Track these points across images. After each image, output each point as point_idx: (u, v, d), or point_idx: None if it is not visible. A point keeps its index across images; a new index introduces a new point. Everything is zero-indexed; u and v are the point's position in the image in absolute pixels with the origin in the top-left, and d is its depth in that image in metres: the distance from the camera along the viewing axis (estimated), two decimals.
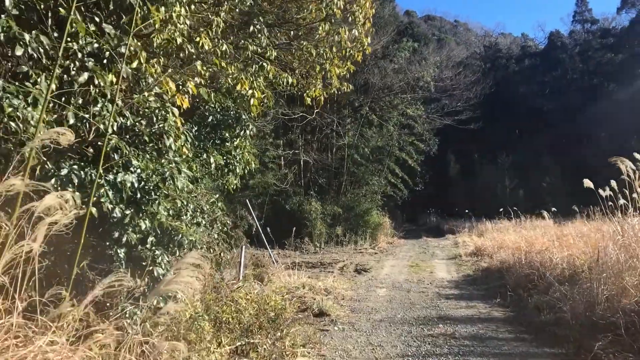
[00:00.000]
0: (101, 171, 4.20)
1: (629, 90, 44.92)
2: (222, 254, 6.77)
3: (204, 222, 5.92)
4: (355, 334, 6.87)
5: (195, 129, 6.45)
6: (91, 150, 4.33)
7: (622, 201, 7.30)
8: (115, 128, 4.30)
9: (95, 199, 4.20)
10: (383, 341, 6.50)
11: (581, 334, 5.88)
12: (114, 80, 4.33)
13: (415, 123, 27.67)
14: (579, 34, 52.92)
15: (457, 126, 26.81)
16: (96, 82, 4.13)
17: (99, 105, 4.14)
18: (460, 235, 25.42)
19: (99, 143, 4.21)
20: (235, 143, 7.48)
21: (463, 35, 78.81)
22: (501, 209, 26.40)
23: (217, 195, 7.42)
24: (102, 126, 4.12)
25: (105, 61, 4.16)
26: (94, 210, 4.16)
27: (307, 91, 7.66)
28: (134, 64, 4.39)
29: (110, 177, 4.31)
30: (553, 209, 13.82)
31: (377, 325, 7.34)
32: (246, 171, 7.94)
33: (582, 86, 47.04)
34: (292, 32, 6.88)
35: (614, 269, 6.46)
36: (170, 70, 4.97)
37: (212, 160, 6.69)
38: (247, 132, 7.40)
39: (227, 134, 7.25)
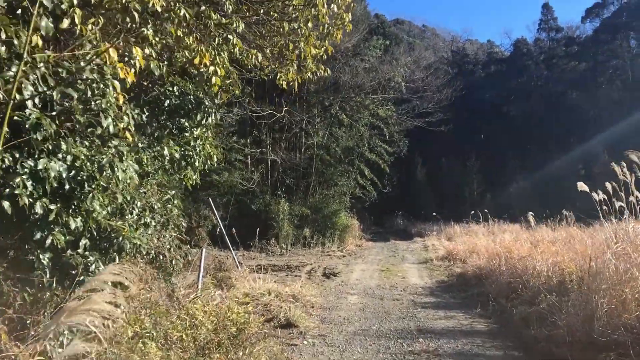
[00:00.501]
0: (16, 155, 3.31)
1: (592, 97, 45.88)
2: (173, 262, 5.86)
3: (153, 223, 5.03)
4: (328, 350, 6.10)
5: (147, 114, 5.52)
6: (6, 129, 3.41)
7: (619, 203, 6.71)
8: (36, 101, 3.40)
9: (8, 190, 3.31)
10: (359, 359, 5.75)
11: (581, 352, 5.25)
12: (39, 43, 3.43)
13: (386, 124, 27.13)
14: (544, 42, 53.72)
15: (428, 128, 26.41)
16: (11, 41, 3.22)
17: (14, 69, 3.24)
18: (429, 239, 25.00)
19: (16, 118, 3.31)
20: (196, 133, 6.59)
21: (431, 40, 79.26)
22: (472, 212, 26.20)
23: (173, 192, 6.51)
24: (19, 96, 3.22)
25: (20, 12, 3.26)
26: (6, 204, 3.28)
27: (281, 74, 6.82)
28: (65, 23, 3.50)
29: (30, 163, 3.41)
30: (530, 213, 13.27)
31: (351, 339, 6.58)
32: (206, 166, 7.03)
33: (547, 93, 47.74)
34: (262, 9, 6.02)
35: (611, 280, 5.86)
36: (113, 37, 4.09)
37: (166, 152, 5.80)
38: (210, 120, 6.52)
39: (186, 123, 6.35)
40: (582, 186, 7.08)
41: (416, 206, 42.36)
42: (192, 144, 6.50)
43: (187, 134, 6.45)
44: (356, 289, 10.47)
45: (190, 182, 6.83)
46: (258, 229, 23.92)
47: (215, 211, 16.42)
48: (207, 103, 6.32)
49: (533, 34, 54.87)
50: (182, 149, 6.36)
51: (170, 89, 6.07)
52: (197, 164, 6.58)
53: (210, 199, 11.09)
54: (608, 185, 6.95)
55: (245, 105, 21.29)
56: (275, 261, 18.26)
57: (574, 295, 6.31)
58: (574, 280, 6.92)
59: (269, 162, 25.00)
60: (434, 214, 26.73)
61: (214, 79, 5.09)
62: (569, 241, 9.07)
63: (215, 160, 7.07)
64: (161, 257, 5.55)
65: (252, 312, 6.52)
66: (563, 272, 7.40)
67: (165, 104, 6.04)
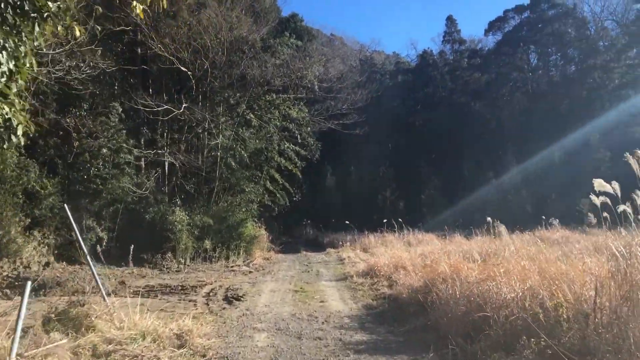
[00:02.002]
0: None
1: (496, 108, 47.52)
2: None
3: None
4: None
5: None
6: None
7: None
8: None
9: None
10: None
11: None
12: None
13: (298, 126, 25.26)
14: (448, 54, 55.04)
15: (342, 131, 24.82)
16: None
17: None
18: (343, 250, 23.39)
19: None
20: None
21: (339, 49, 79.11)
22: (385, 220, 24.97)
23: None
24: None
25: None
26: None
27: None
28: None
29: None
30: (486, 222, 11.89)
31: None
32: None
33: (452, 103, 48.79)
34: None
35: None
36: None
37: None
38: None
39: None
40: (600, 184, 5.48)
41: (326, 214, 41.03)
42: None
43: None
44: (265, 321, 8.31)
45: None
46: (152, 242, 21.41)
47: (92, 222, 13.55)
48: None
49: (438, 46, 56.30)
50: None
51: None
52: None
53: (66, 205, 8.34)
54: None
55: (137, 99, 18.43)
56: (169, 280, 15.67)
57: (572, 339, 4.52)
58: (571, 318, 5.11)
59: (166, 166, 22.20)
60: (347, 222, 25.17)
61: None
62: (532, 258, 7.47)
63: (21, 133, 4.54)
64: None
65: None
66: (545, 304, 5.57)
67: None
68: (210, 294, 11.89)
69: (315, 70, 23.17)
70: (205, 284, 13.74)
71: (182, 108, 20.45)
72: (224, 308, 9.76)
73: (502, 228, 13.00)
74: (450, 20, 56.50)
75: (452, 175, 39.26)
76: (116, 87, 21.30)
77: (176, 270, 18.82)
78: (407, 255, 14.50)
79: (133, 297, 10.05)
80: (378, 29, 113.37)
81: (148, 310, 7.31)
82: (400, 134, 44.96)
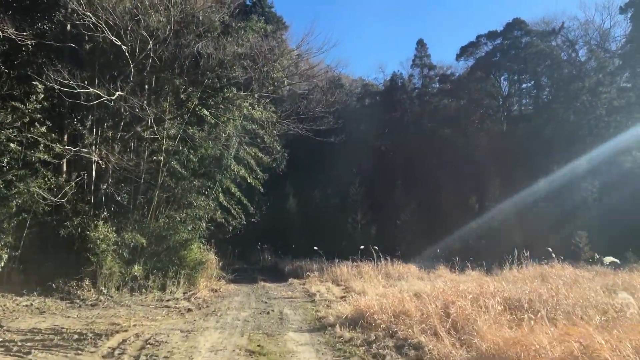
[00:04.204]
0: None
1: (466, 135, 45.41)
2: None
3: None
4: None
5: None
6: None
7: None
8: None
9: None
10: None
11: None
12: None
13: (262, 129, 21.17)
14: (417, 78, 53.41)
15: (315, 138, 20.74)
16: None
17: None
18: (310, 282, 19.38)
19: None
20: None
21: (306, 70, 76.38)
22: (361, 247, 21.21)
23: None
24: None
25: None
26: None
27: None
28: None
29: None
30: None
31: None
32: None
33: (420, 129, 47.00)
34: None
35: None
36: None
37: None
38: None
39: None
40: None
41: (286, 238, 36.82)
42: None
43: None
44: None
45: None
46: (67, 265, 17.06)
47: None
48: None
49: (407, 71, 54.62)
50: None
51: None
52: None
53: None
54: None
55: (51, 76, 14.14)
56: (73, 320, 11.41)
57: None
58: None
59: (93, 168, 17.79)
60: (315, 248, 21.25)
61: None
62: None
63: None
64: None
65: None
66: None
67: None
68: (116, 352, 7.68)
69: (285, 61, 19.27)
70: (118, 331, 9.50)
71: (116, 96, 16.20)
72: None
73: None
74: (420, 44, 54.75)
75: (429, 200, 35.98)
76: (34, 67, 16.99)
77: (92, 305, 14.51)
78: (400, 295, 10.67)
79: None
80: (345, 52, 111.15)
81: None
82: (367, 157, 41.61)
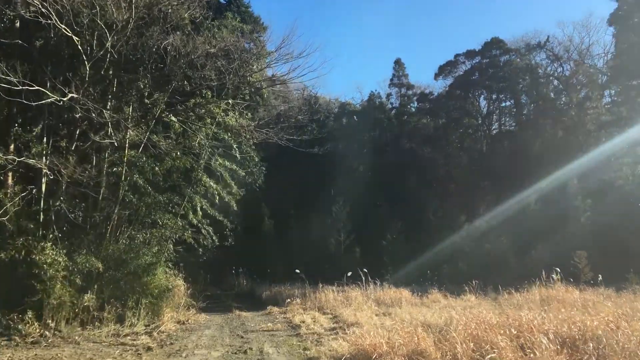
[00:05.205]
0: None
1: (445, 154, 44.53)
2: None
3: None
4: None
5: None
6: None
7: None
8: None
9: None
10: None
11: None
12: None
13: (236, 136, 19.06)
14: (395, 98, 53.41)
15: (296, 149, 18.69)
16: None
17: None
18: (292, 310, 17.21)
19: None
20: None
21: (281, 91, 75.10)
22: (349, 274, 19.24)
23: None
24: None
25: None
26: None
27: None
28: None
29: None
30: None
31: None
32: None
33: (400, 148, 46.35)
34: None
35: None
36: None
37: None
38: None
39: None
40: None
41: (264, 261, 34.46)
42: None
43: None
44: None
45: None
46: (9, 294, 14.71)
47: None
48: None
49: (385, 90, 54.07)
50: None
51: None
52: None
53: None
54: None
55: None
56: None
57: None
58: None
59: (42, 181, 15.49)
60: (297, 271, 19.21)
61: None
62: None
63: None
64: None
65: None
66: None
67: None
68: None
69: (263, 63, 17.35)
70: None
71: (68, 97, 14.10)
72: None
73: None
74: (398, 64, 54.43)
75: (416, 219, 34.22)
76: None
77: (32, 342, 12.07)
78: (410, 329, 8.68)
79: None
80: (321, 72, 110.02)
81: None
82: (346, 177, 39.79)
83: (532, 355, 6.03)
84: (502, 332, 7.31)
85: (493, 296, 19.67)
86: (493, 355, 6.15)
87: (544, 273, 19.31)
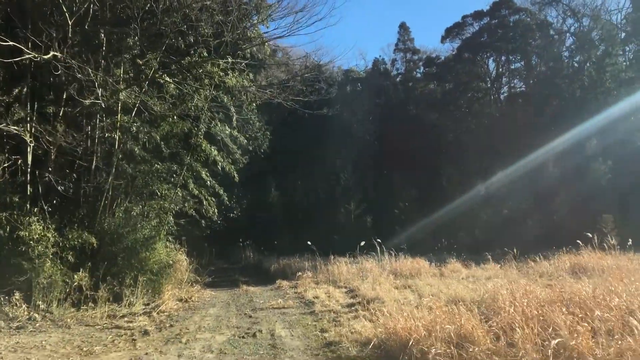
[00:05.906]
0: None
1: (454, 119, 42.86)
2: None
3: None
4: None
5: None
6: None
7: None
8: None
9: None
10: None
11: None
12: None
13: (237, 101, 17.54)
14: (401, 64, 51.49)
15: (302, 110, 17.08)
16: None
17: None
18: (303, 284, 16.04)
19: None
20: None
21: (283, 60, 73.55)
22: (363, 242, 17.92)
23: None
24: None
25: None
26: None
27: None
28: None
29: None
30: None
31: None
32: None
33: (406, 115, 44.38)
34: None
35: None
36: None
37: None
38: None
39: None
40: None
41: (271, 233, 33.34)
42: None
43: None
44: None
45: None
46: None
47: None
48: None
49: (389, 56, 52.29)
50: None
51: None
52: None
53: None
54: None
55: None
56: None
57: None
58: None
59: (29, 150, 14.17)
60: (309, 243, 17.95)
61: None
62: None
63: None
64: None
65: None
66: None
67: None
68: None
69: (264, 15, 15.73)
70: None
71: (50, 55, 12.65)
72: None
73: None
74: (403, 28, 52.47)
75: (430, 185, 32.85)
76: None
77: (17, 327, 10.91)
78: (448, 308, 7.37)
79: None
80: (325, 39, 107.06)
81: None
82: (353, 145, 38.34)
83: (620, 342, 4.71)
84: (564, 310, 6.01)
85: (517, 265, 18.39)
86: (569, 341, 4.82)
87: (568, 239, 18.15)
